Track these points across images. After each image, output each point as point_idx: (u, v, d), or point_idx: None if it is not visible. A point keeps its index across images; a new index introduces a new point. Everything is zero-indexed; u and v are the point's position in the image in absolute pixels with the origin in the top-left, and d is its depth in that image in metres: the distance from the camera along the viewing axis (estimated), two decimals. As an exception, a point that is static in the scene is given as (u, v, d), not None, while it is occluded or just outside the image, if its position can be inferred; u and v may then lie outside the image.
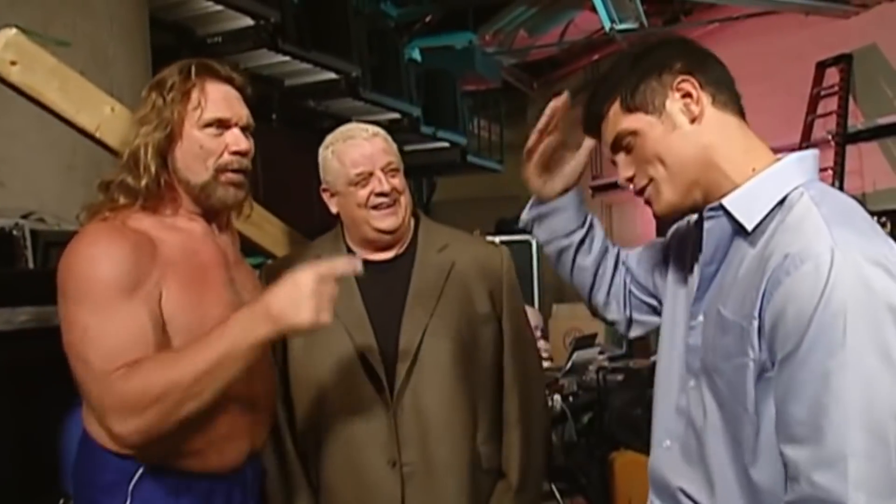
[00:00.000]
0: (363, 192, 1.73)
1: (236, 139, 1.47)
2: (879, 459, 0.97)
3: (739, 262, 1.16)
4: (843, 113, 7.54)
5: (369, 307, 1.74)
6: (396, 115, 7.10)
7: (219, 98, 1.47)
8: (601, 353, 4.78)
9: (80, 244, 1.35)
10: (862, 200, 7.71)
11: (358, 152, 1.75)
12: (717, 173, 1.18)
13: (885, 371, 0.98)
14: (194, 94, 1.45)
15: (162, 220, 1.45)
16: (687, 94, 1.19)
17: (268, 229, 1.92)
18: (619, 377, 4.10)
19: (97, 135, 1.57)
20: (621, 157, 1.27)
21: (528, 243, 7.34)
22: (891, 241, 1.07)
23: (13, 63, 1.45)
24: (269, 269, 1.84)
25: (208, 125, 1.45)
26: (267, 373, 1.59)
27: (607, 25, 7.57)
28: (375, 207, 1.74)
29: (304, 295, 1.28)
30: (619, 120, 1.23)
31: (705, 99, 1.19)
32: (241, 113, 1.50)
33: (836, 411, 0.97)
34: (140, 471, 1.38)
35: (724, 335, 1.14)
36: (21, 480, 1.64)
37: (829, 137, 7.66)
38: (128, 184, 1.42)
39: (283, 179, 5.95)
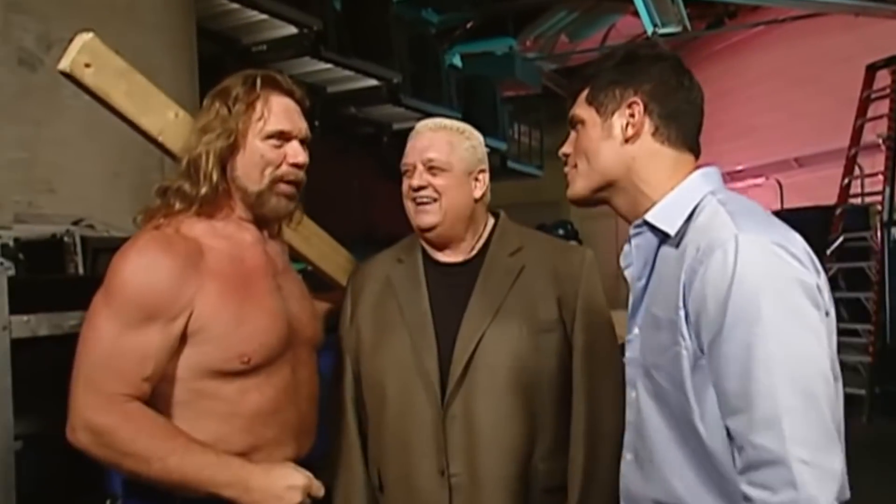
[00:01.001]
0: (406, 183, 1.74)
1: (296, 152, 1.51)
2: (812, 414, 1.05)
3: (664, 267, 1.27)
4: (894, 116, 7.34)
5: (435, 310, 1.71)
6: (437, 122, 7.12)
7: (281, 111, 1.50)
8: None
9: (130, 250, 1.38)
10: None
11: (412, 143, 1.75)
12: (636, 191, 1.30)
13: (803, 334, 1.08)
14: (259, 106, 1.48)
15: (214, 227, 1.47)
16: (632, 115, 1.29)
17: (315, 242, 1.93)
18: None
19: (160, 139, 1.58)
20: (571, 134, 1.39)
21: (569, 249, 7.30)
22: (789, 229, 1.19)
23: (87, 66, 1.48)
24: (356, 274, 1.87)
25: (270, 136, 1.48)
26: (312, 380, 1.61)
27: (650, 29, 7.49)
28: (414, 201, 1.73)
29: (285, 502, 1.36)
30: (580, 105, 1.36)
31: (647, 127, 1.29)
32: (301, 126, 1.54)
33: (765, 377, 1.06)
34: None
35: (657, 331, 1.24)
36: (67, 481, 1.67)
37: (880, 141, 7.46)
38: (185, 190, 1.45)
39: (326, 185, 6.01)
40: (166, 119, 1.59)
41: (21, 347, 1.68)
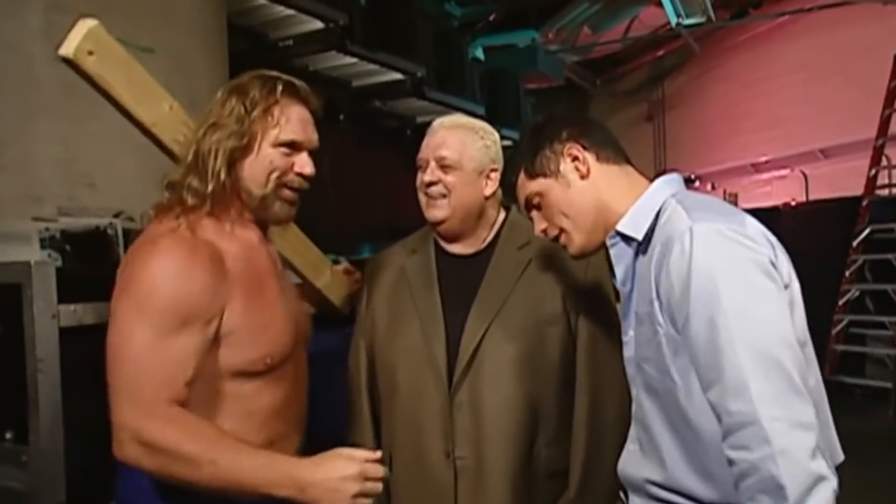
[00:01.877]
0: (419, 177, 1.81)
1: (304, 163, 1.51)
2: (775, 375, 1.16)
3: (641, 270, 1.40)
4: (921, 106, 7.27)
5: (445, 299, 1.79)
6: (460, 115, 7.12)
7: (296, 120, 1.50)
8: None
9: (153, 253, 1.36)
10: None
11: (427, 139, 1.83)
12: (610, 212, 1.44)
13: (759, 305, 1.20)
14: (276, 112, 1.47)
15: (224, 228, 1.48)
16: (575, 158, 1.46)
17: (289, 238, 1.89)
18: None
19: (153, 130, 1.57)
20: (535, 214, 1.54)
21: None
22: (742, 215, 1.33)
23: (90, 53, 1.46)
24: (372, 264, 1.96)
25: (283, 145, 1.48)
26: (306, 373, 1.63)
27: (674, 20, 7.48)
28: (426, 195, 1.80)
29: (343, 496, 1.30)
30: (526, 185, 1.51)
31: (590, 158, 1.46)
32: (313, 137, 1.54)
33: (728, 347, 1.18)
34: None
35: (641, 326, 1.39)
36: (106, 471, 1.72)
37: (907, 132, 7.40)
38: (195, 187, 1.44)
39: (351, 178, 6.06)
40: (161, 111, 1.58)
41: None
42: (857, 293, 7.38)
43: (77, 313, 1.77)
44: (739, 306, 1.20)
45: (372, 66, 5.91)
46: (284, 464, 1.32)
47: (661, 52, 11.03)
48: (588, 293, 1.78)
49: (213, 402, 1.42)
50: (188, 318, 1.33)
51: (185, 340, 1.33)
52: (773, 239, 1.34)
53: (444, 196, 1.77)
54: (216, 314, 1.38)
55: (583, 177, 1.45)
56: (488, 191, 1.82)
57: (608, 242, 1.46)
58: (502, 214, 1.89)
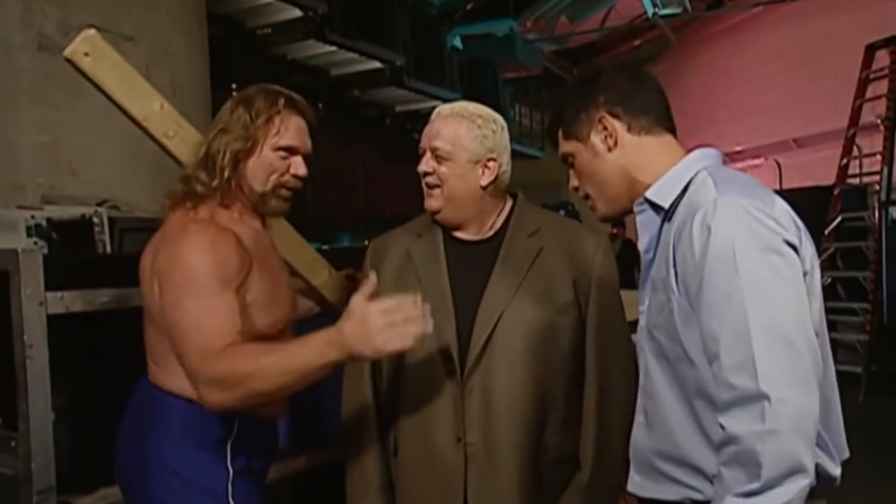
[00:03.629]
0: (419, 167, 1.81)
1: (298, 165, 1.71)
2: (787, 357, 1.15)
3: (665, 239, 1.38)
4: (892, 97, 7.38)
5: (454, 286, 1.78)
6: (439, 103, 7.14)
7: (294, 129, 1.70)
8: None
9: (187, 238, 1.55)
10: (912, 186, 7.57)
11: (427, 127, 1.82)
12: (637, 183, 1.43)
13: (776, 285, 1.18)
14: (276, 121, 1.68)
15: (234, 216, 1.68)
16: (605, 128, 1.43)
17: (288, 240, 2.08)
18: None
19: (144, 124, 1.78)
20: (571, 171, 1.55)
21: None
22: (772, 195, 1.30)
23: (86, 54, 1.71)
24: (376, 246, 1.93)
25: (281, 149, 1.68)
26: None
27: (650, 11, 7.54)
28: (425, 184, 1.80)
29: (371, 332, 1.43)
30: (562, 143, 1.52)
31: (621, 129, 1.43)
32: (308, 144, 1.73)
33: (741, 322, 1.17)
34: (236, 425, 1.62)
35: (656, 293, 1.38)
36: (98, 456, 1.73)
37: (878, 122, 7.52)
38: (203, 179, 1.64)
39: (330, 167, 6.07)
40: (151, 108, 1.78)
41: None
42: (829, 280, 7.51)
43: (64, 300, 1.78)
44: (756, 283, 1.18)
45: (351, 55, 5.90)
46: (319, 336, 1.45)
47: (637, 42, 11.14)
48: (597, 282, 1.79)
49: None
50: (225, 282, 1.53)
51: (229, 298, 1.53)
52: (801, 224, 1.31)
53: (437, 186, 1.76)
54: (242, 282, 1.58)
55: (609, 149, 1.44)
56: (485, 180, 1.78)
57: (635, 209, 1.45)
58: (509, 201, 1.87)
